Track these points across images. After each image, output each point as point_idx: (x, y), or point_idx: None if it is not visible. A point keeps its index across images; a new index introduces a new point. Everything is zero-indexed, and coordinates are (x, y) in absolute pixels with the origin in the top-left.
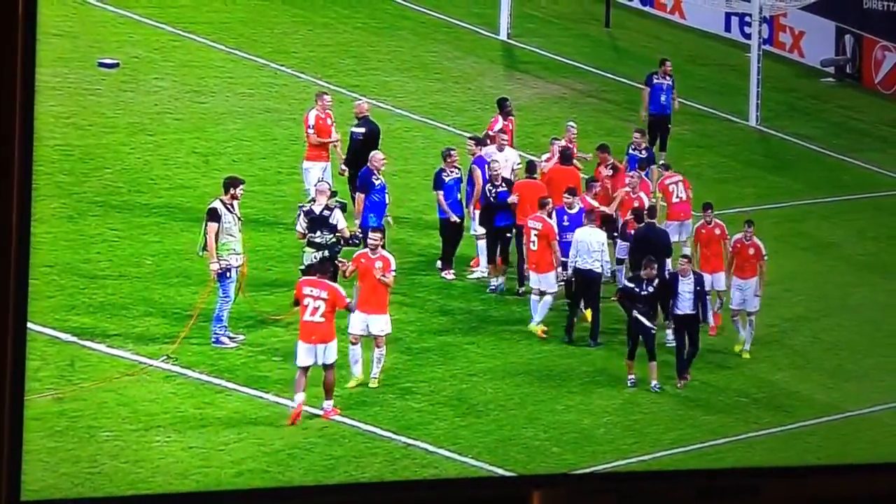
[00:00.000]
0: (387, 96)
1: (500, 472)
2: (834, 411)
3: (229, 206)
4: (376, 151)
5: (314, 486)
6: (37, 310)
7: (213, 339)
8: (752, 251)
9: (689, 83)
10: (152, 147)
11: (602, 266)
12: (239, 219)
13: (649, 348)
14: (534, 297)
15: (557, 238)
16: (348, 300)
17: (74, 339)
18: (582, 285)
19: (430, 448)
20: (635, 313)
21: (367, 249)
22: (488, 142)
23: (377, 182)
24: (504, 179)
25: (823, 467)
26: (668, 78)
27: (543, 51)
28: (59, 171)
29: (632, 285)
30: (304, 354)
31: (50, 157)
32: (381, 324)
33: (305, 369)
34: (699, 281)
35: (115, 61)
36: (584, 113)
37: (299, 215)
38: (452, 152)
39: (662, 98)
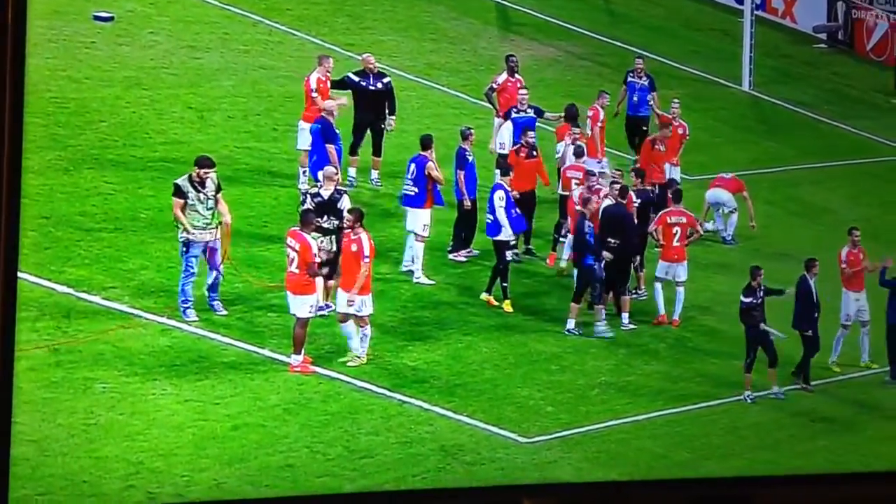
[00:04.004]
0: (381, 56)
1: (495, 429)
2: (828, 374)
3: (196, 184)
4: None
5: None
6: (33, 261)
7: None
8: (862, 256)
9: (683, 47)
10: (147, 102)
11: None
12: (208, 198)
13: (771, 355)
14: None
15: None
16: (315, 259)
17: (70, 290)
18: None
19: (425, 406)
20: (763, 326)
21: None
22: (493, 95)
23: (338, 132)
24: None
25: (816, 476)
26: (643, 77)
27: (538, 13)
28: (54, 124)
29: (749, 299)
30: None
31: (45, 109)
32: (364, 303)
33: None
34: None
35: (111, 15)
36: (578, 76)
37: (305, 199)
38: (471, 132)
39: (635, 98)
